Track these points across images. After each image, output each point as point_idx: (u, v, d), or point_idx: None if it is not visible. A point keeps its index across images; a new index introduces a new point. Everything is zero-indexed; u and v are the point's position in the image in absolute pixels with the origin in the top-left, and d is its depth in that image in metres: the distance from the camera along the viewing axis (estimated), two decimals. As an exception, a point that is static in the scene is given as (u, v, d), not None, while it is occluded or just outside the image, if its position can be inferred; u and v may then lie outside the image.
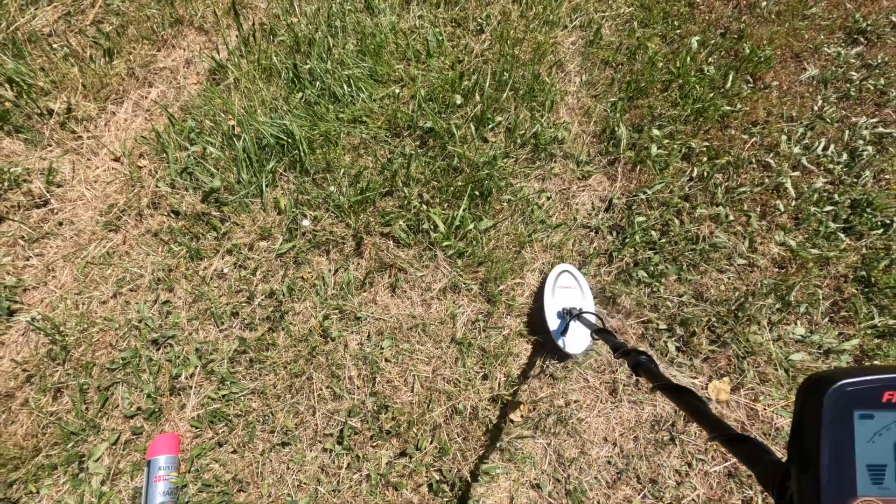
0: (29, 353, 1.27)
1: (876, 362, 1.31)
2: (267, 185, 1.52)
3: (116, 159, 1.61)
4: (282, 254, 1.43)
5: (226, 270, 1.42)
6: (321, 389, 1.27)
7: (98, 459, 1.17)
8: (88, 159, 1.60)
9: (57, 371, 1.26)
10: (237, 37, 1.86)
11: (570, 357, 1.33)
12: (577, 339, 1.32)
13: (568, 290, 1.37)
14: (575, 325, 1.29)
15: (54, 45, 1.81)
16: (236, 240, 1.45)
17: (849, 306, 1.39)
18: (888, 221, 1.48)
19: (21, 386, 1.24)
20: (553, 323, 1.32)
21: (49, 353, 1.26)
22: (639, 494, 1.20)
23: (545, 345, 1.36)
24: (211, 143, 1.57)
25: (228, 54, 1.82)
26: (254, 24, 1.88)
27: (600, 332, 1.04)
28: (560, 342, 1.30)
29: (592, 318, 1.27)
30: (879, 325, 1.35)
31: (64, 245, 1.45)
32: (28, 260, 1.42)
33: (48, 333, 1.28)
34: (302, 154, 1.53)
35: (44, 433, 1.19)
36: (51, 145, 1.61)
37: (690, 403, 0.56)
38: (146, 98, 1.77)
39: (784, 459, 0.41)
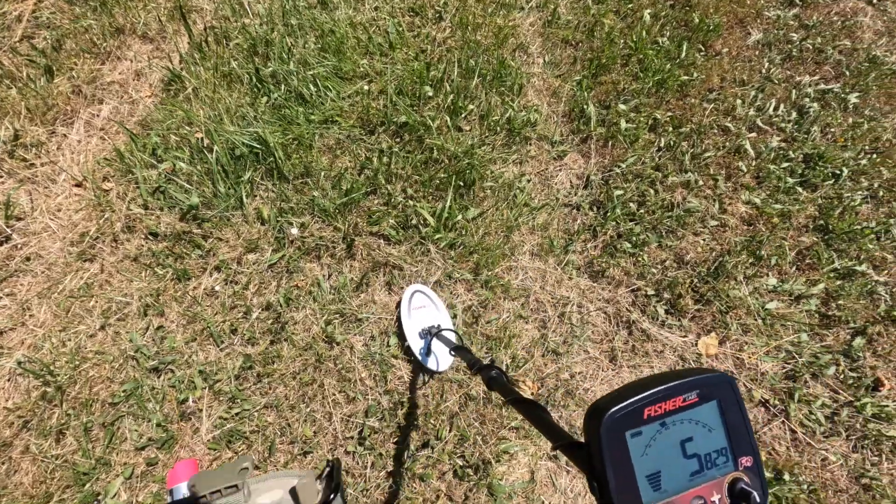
0: (21, 399, 1.21)
1: (840, 302, 1.44)
2: (246, 196, 1.48)
3: (78, 184, 1.52)
4: (272, 264, 1.41)
5: (217, 288, 1.39)
6: (334, 395, 1.28)
7: (115, 496, 1.14)
8: (47, 187, 1.51)
9: (55, 413, 1.21)
10: (188, 43, 1.78)
11: (438, 374, 1.34)
12: (441, 356, 1.33)
13: (423, 309, 1.38)
14: (437, 343, 1.29)
15: (-15, 68, 1.68)
16: (223, 255, 1.41)
17: (812, 254, 1.51)
18: (838, 172, 1.61)
19: (18, 433, 1.18)
20: (416, 344, 1.33)
21: (43, 395, 1.21)
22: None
23: (417, 365, 1.36)
24: (180, 158, 1.51)
25: (181, 62, 1.74)
26: (205, 29, 1.80)
27: (457, 349, 1.05)
28: (426, 361, 1.31)
29: (451, 335, 1.28)
30: (840, 268, 1.48)
31: (36, 281, 1.38)
32: (-1, 301, 1.34)
33: (39, 375, 1.22)
34: (278, 161, 1.50)
35: (52, 478, 1.14)
36: (2, 177, 1.51)
37: (535, 414, 0.61)
38: (98, 116, 1.68)
39: None
